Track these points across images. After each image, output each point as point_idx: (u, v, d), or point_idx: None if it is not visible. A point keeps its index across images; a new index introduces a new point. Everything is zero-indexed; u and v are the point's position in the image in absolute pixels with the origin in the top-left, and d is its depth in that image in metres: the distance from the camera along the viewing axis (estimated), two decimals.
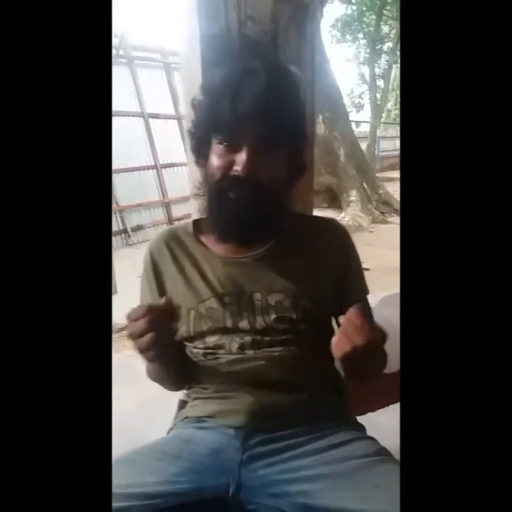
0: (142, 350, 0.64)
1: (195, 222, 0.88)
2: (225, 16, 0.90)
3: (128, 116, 6.15)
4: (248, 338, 0.77)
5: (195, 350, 0.82)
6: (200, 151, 0.79)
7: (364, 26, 17.03)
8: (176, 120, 6.75)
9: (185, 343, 0.84)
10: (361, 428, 0.82)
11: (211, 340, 0.79)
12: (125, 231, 5.93)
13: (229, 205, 0.74)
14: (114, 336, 3.02)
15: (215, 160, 0.75)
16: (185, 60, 0.97)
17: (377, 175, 8.86)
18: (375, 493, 0.64)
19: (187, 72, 0.97)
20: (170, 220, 6.46)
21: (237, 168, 0.72)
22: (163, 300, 0.65)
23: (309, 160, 1.07)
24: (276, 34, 0.96)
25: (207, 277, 0.81)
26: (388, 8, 15.45)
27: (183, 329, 0.81)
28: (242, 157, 0.71)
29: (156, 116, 6.52)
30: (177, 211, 6.62)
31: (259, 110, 0.69)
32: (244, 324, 0.78)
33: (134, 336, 0.64)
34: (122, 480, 0.66)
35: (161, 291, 0.84)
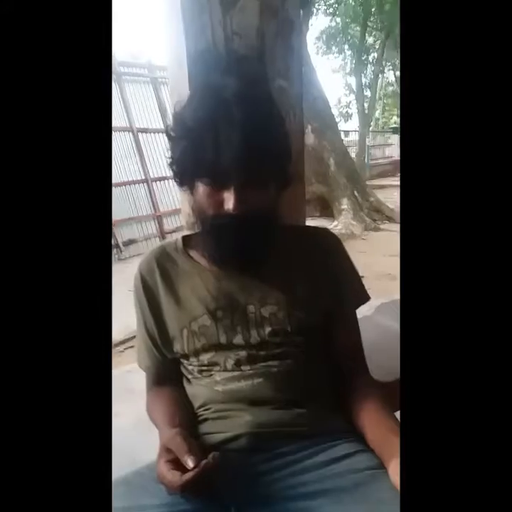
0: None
1: (185, 237, 0.87)
2: (211, 32, 0.90)
3: (117, 131, 6.16)
4: (243, 354, 0.76)
5: (190, 367, 0.81)
6: (185, 185, 0.78)
7: (349, 38, 17.26)
8: (164, 134, 6.77)
9: (181, 360, 0.83)
10: (362, 440, 0.81)
11: (205, 357, 0.78)
12: (117, 246, 5.91)
13: (223, 240, 0.74)
14: None
15: (202, 197, 0.73)
16: (173, 76, 0.98)
17: (367, 183, 8.92)
18: (379, 507, 0.62)
19: (175, 87, 0.97)
20: (162, 233, 6.44)
21: (228, 207, 0.70)
22: (211, 457, 0.62)
23: (300, 170, 1.07)
24: (263, 49, 0.96)
25: (199, 293, 0.80)
26: (372, 19, 15.68)
27: (177, 347, 0.80)
28: (230, 195, 0.70)
29: (145, 130, 6.53)
30: (168, 224, 6.62)
31: (241, 150, 0.67)
32: (238, 340, 0.77)
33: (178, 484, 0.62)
34: (121, 502, 0.65)
35: (153, 309, 0.83)
